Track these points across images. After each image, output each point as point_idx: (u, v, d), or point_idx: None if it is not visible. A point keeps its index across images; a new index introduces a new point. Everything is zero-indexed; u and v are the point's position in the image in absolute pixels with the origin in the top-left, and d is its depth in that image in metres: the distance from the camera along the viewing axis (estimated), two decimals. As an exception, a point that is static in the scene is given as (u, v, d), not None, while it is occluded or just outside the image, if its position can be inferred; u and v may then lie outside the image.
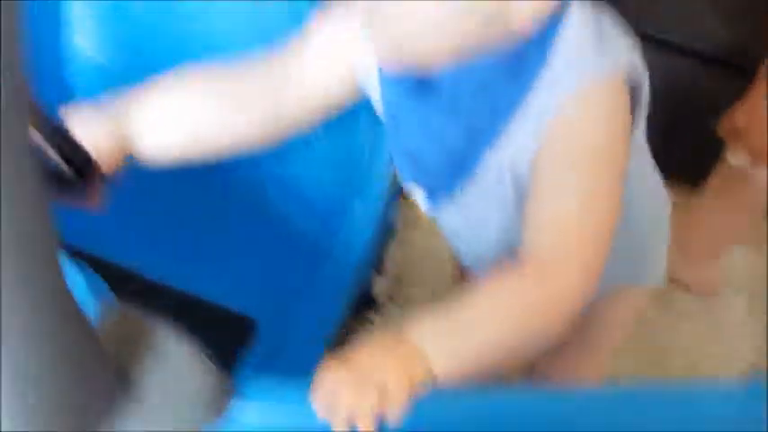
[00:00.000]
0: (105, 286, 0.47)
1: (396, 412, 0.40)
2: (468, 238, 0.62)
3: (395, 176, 0.96)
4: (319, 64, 0.54)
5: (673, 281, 1.21)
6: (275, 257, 0.91)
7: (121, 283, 0.61)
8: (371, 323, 1.11)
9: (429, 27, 0.44)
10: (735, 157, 0.91)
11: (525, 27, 0.45)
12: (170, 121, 0.56)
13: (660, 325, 1.16)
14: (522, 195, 0.52)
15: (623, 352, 1.08)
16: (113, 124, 0.53)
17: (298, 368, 0.80)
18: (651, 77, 0.51)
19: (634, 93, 0.49)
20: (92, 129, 0.52)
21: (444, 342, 0.44)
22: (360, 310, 1.09)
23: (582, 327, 0.54)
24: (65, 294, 0.31)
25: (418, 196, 0.57)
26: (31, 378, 0.29)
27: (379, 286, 1.11)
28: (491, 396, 0.47)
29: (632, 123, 0.51)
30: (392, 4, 0.44)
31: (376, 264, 1.06)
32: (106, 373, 0.35)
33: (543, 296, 0.45)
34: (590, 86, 0.46)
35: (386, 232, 1.04)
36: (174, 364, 0.39)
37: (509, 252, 0.59)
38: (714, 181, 1.01)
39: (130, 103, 0.55)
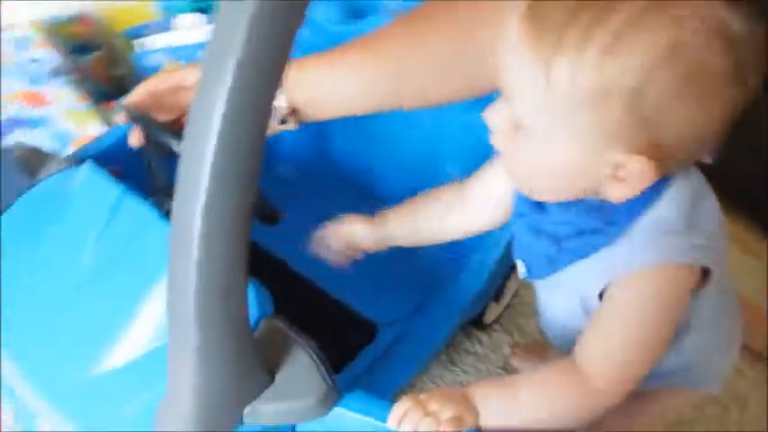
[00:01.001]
0: (270, 299, 0.66)
1: None
2: (545, 315, 0.76)
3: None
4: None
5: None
6: (403, 277, 1.09)
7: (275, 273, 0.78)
8: (479, 342, 1.26)
9: (535, 190, 0.59)
10: None
11: (620, 200, 0.53)
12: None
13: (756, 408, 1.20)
14: (582, 309, 0.64)
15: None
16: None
17: (404, 369, 0.98)
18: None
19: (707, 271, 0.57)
20: None
21: (494, 405, 0.58)
22: (470, 328, 1.25)
23: (625, 410, 0.64)
24: (246, 323, 0.51)
25: (520, 267, 0.69)
26: (218, 374, 0.50)
27: (493, 312, 1.24)
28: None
29: (696, 295, 0.59)
30: (506, 160, 0.59)
31: (496, 292, 1.18)
32: (261, 373, 0.55)
33: (579, 398, 0.58)
34: (659, 269, 0.54)
35: (507, 268, 1.16)
36: (301, 369, 0.58)
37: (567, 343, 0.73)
38: None
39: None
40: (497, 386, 0.61)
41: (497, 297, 1.20)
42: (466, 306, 1.05)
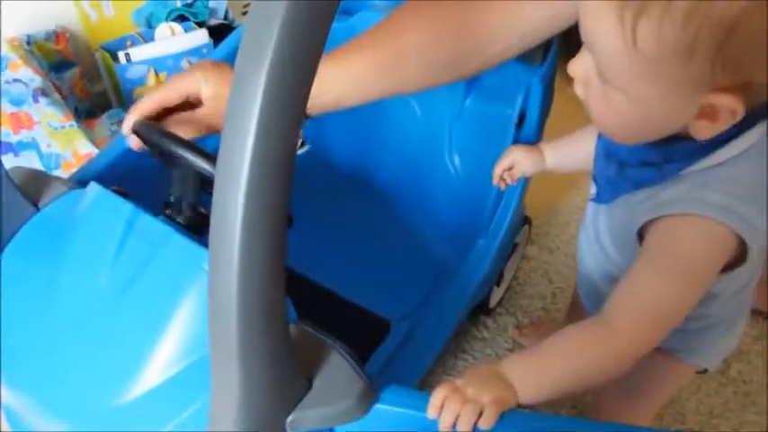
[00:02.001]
0: (291, 305, 0.66)
1: (487, 423, 0.56)
2: (581, 266, 0.78)
3: (523, 209, 1.12)
4: None
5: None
6: (410, 270, 1.10)
7: (289, 282, 0.80)
8: (486, 327, 1.28)
9: (622, 136, 0.59)
10: None
11: (706, 137, 0.54)
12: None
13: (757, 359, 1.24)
14: (614, 249, 0.67)
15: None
16: None
17: (419, 361, 1.00)
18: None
19: (745, 248, 0.58)
20: None
21: (528, 377, 0.59)
22: (476, 315, 1.27)
23: (635, 378, 0.67)
24: (287, 333, 0.51)
25: (592, 189, 0.71)
26: (262, 386, 0.51)
27: (495, 296, 1.26)
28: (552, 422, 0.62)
29: (731, 269, 0.60)
30: (592, 109, 0.58)
31: (496, 277, 1.20)
32: (300, 379, 0.55)
33: (606, 351, 0.59)
34: (707, 218, 0.55)
35: (507, 252, 1.18)
36: (338, 371, 0.59)
37: (594, 300, 0.74)
38: None
39: None
40: (527, 356, 0.62)
41: (498, 281, 1.23)
42: (472, 292, 1.07)
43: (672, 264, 0.58)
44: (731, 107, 0.51)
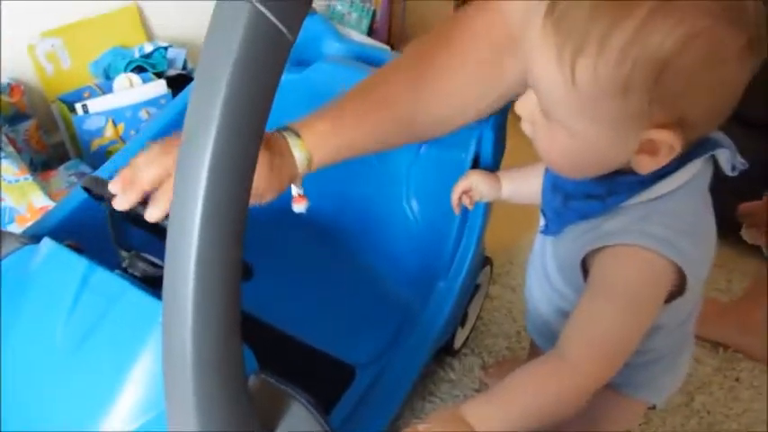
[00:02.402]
0: (251, 355, 0.66)
1: None
2: (529, 305, 0.79)
3: (483, 250, 1.14)
4: None
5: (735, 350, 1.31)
6: (373, 315, 1.10)
7: (252, 330, 0.79)
8: (452, 368, 1.28)
9: (567, 171, 0.62)
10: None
11: (649, 171, 0.56)
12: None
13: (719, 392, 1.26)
14: (561, 279, 0.68)
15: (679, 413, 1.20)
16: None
17: (387, 406, 0.99)
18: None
19: (683, 281, 0.59)
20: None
21: (489, 417, 0.59)
22: (442, 356, 1.27)
23: (585, 418, 0.66)
24: (244, 385, 0.51)
25: (541, 220, 0.73)
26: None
27: (460, 337, 1.26)
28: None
29: (671, 300, 0.61)
30: (538, 145, 0.60)
31: (460, 318, 1.20)
32: (258, 429, 0.55)
33: (564, 385, 0.59)
34: (647, 249, 0.57)
35: (469, 293, 1.19)
36: (299, 421, 0.58)
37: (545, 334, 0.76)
38: None
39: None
40: (488, 396, 0.62)
41: (463, 322, 1.23)
42: (436, 334, 1.07)
43: (615, 293, 0.59)
44: (669, 143, 0.53)
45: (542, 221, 0.72)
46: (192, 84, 0.99)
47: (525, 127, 0.61)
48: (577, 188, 0.63)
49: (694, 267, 0.59)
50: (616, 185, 0.60)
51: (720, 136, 0.60)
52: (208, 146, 0.41)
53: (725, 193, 0.65)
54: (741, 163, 0.60)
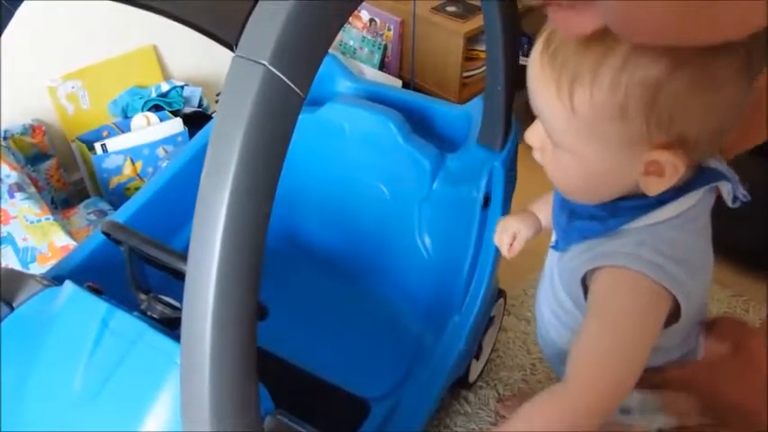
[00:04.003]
0: (267, 394, 0.67)
1: None
2: (539, 327, 0.79)
3: (496, 283, 1.14)
4: None
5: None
6: (387, 350, 1.11)
7: (267, 365, 0.80)
8: (467, 401, 1.28)
9: (577, 195, 0.63)
10: None
11: (658, 192, 0.58)
12: None
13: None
14: (565, 294, 0.69)
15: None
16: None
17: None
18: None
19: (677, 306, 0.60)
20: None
21: None
22: (457, 389, 1.27)
23: None
24: (260, 426, 0.52)
25: (553, 237, 0.73)
26: None
27: (475, 370, 1.26)
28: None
29: (667, 325, 0.61)
30: (549, 171, 0.63)
31: (475, 351, 1.21)
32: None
33: (561, 414, 0.60)
34: (639, 273, 0.57)
35: (483, 326, 1.20)
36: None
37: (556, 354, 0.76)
38: None
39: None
40: (501, 425, 0.62)
41: (477, 355, 1.24)
42: (451, 368, 1.07)
43: (607, 316, 0.60)
44: (673, 162, 0.54)
45: (554, 237, 0.73)
46: (205, 128, 1.01)
47: (536, 155, 0.63)
48: (582, 208, 0.65)
49: (687, 294, 0.59)
50: (617, 209, 0.61)
51: (723, 167, 0.62)
52: (224, 198, 0.43)
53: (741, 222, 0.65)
54: (743, 194, 0.61)
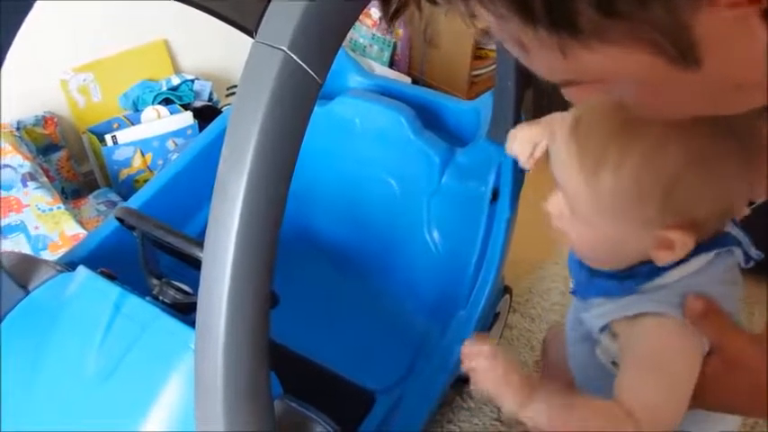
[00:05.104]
0: (277, 380, 0.68)
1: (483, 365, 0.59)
2: (570, 361, 0.80)
3: (502, 279, 1.15)
4: None
5: None
6: (393, 342, 1.12)
7: (275, 355, 0.81)
8: (471, 397, 1.28)
9: (593, 260, 0.66)
10: None
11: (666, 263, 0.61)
12: None
13: None
14: (583, 342, 0.70)
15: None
16: None
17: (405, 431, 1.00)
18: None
19: None
20: None
21: (537, 413, 0.59)
22: (461, 384, 1.28)
23: None
24: (271, 410, 0.53)
25: (571, 282, 0.75)
26: None
27: (479, 365, 1.27)
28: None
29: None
30: (571, 246, 0.66)
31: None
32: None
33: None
34: (663, 316, 0.60)
35: (488, 322, 1.20)
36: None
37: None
38: None
39: None
40: (556, 397, 0.62)
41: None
42: (455, 363, 1.08)
43: (665, 363, 0.61)
44: (682, 240, 0.58)
45: (571, 283, 0.76)
46: (217, 120, 1.02)
47: (554, 222, 0.66)
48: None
49: None
50: (634, 272, 0.64)
51: (736, 230, 0.64)
52: (242, 182, 0.44)
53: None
54: (756, 254, 0.64)
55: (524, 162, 0.88)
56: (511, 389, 0.60)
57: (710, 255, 0.63)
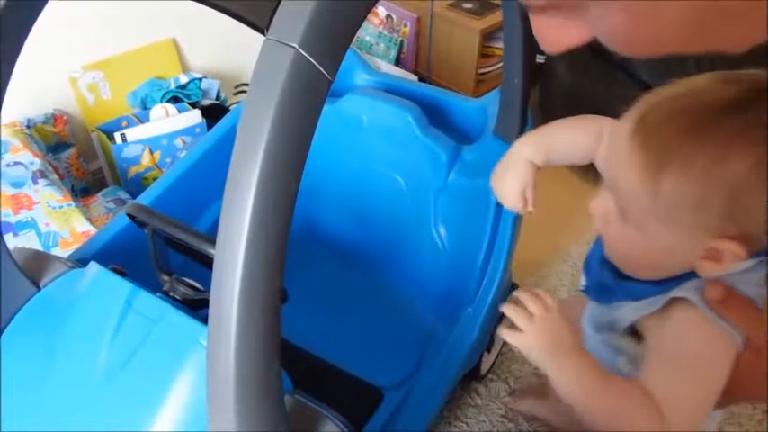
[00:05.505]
0: (287, 376, 0.69)
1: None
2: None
3: (510, 275, 1.15)
4: None
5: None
6: (401, 339, 1.12)
7: (285, 352, 0.82)
8: (478, 394, 1.29)
9: (634, 268, 0.65)
10: None
11: (710, 275, 0.60)
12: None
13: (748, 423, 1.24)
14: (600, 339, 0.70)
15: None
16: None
17: (413, 429, 1.01)
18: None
19: None
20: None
21: (576, 370, 0.62)
22: (468, 381, 1.28)
23: None
24: (283, 406, 0.54)
25: (582, 280, 0.76)
26: None
27: (486, 362, 1.27)
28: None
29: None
30: (609, 241, 0.65)
31: (486, 344, 1.22)
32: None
33: (642, 414, 0.60)
34: (692, 311, 0.60)
35: (496, 318, 1.20)
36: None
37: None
38: None
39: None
40: (596, 366, 0.63)
41: (489, 347, 1.24)
42: (462, 359, 1.09)
43: (674, 348, 0.61)
44: (735, 251, 0.56)
45: (582, 281, 0.75)
46: (225, 118, 1.03)
47: (597, 223, 0.65)
48: None
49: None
50: (674, 278, 0.63)
51: None
52: (253, 180, 0.45)
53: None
54: None
55: (522, 211, 0.84)
56: (557, 343, 0.61)
57: (748, 263, 0.61)
